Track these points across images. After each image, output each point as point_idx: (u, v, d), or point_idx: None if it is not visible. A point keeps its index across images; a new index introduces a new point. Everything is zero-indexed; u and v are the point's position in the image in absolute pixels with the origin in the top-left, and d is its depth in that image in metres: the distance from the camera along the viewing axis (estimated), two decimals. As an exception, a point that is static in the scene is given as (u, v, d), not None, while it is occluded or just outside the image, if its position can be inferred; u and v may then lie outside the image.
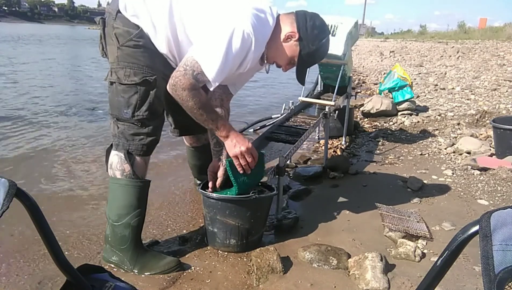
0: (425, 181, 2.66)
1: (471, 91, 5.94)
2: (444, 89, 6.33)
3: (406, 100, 4.81)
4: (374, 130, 4.22)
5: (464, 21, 23.06)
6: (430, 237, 1.93)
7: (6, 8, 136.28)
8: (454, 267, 0.58)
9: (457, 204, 2.34)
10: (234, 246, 1.76)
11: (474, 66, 8.14)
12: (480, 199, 2.40)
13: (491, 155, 3.09)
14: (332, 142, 3.64)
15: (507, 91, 5.57)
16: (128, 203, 1.57)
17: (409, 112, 4.77)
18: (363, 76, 9.55)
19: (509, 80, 6.18)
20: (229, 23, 1.39)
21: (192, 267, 1.66)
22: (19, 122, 4.02)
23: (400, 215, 2.13)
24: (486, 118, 4.16)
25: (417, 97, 5.69)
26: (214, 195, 1.69)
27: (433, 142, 3.69)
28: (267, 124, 3.92)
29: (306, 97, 3.16)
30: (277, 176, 1.98)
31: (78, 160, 3.03)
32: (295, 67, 1.60)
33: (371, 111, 4.82)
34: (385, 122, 4.59)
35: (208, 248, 1.81)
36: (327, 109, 2.89)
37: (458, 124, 4.24)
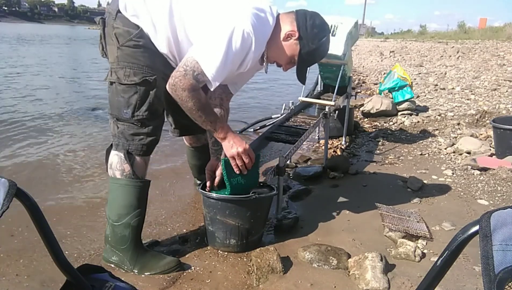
0: (425, 181, 2.66)
1: (471, 91, 5.94)
2: (444, 89, 6.32)
3: (406, 100, 4.81)
4: (374, 130, 4.21)
5: (464, 21, 23.10)
6: (430, 237, 1.93)
7: (6, 8, 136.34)
8: (454, 267, 0.58)
9: (457, 204, 2.34)
10: (234, 246, 1.76)
11: (474, 66, 8.14)
12: (480, 199, 2.40)
13: (491, 155, 3.09)
14: (332, 142, 3.63)
15: (507, 91, 5.57)
16: (128, 203, 1.58)
17: (409, 112, 4.77)
18: (363, 76, 9.54)
19: (509, 80, 6.18)
20: (229, 22, 1.39)
21: (192, 267, 1.66)
22: (19, 122, 4.01)
23: (400, 215, 2.13)
24: (486, 118, 4.16)
25: (417, 97, 5.68)
26: (214, 195, 1.69)
27: (433, 142, 3.69)
28: (267, 124, 3.92)
29: (306, 97, 3.16)
30: (277, 176, 1.98)
31: (78, 160, 3.03)
32: (295, 67, 1.60)
33: (371, 111, 4.82)
34: (385, 122, 4.59)
35: (208, 248, 1.82)
36: (327, 109, 2.89)
37: (458, 124, 4.24)
